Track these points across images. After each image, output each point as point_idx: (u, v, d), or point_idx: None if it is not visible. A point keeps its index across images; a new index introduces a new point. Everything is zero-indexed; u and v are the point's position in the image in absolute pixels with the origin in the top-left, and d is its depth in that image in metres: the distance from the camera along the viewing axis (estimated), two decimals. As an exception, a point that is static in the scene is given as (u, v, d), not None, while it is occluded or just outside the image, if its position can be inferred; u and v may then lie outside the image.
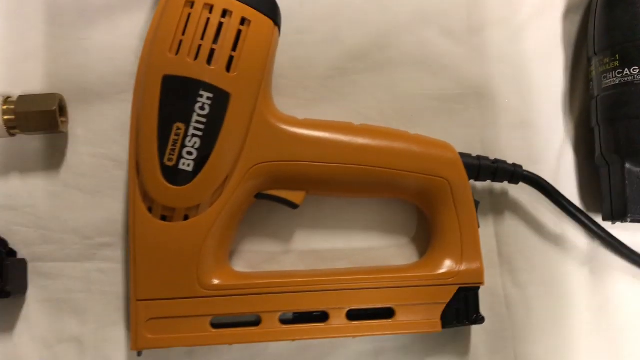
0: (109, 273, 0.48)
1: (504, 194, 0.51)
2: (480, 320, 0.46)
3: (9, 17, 0.49)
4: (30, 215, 0.48)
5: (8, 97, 0.46)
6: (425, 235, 0.50)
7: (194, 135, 0.43)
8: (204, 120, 0.43)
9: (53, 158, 0.48)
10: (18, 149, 0.48)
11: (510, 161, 0.49)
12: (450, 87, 0.51)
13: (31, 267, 0.48)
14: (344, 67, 0.51)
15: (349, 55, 0.51)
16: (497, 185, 0.50)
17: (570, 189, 0.51)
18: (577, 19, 0.53)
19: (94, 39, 0.49)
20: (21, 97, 0.46)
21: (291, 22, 0.47)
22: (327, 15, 0.51)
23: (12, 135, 0.46)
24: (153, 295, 0.44)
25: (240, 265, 0.49)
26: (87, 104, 0.49)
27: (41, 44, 0.49)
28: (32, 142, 0.48)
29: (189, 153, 0.43)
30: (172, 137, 0.43)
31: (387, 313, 0.46)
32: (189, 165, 0.43)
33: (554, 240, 0.51)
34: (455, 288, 0.46)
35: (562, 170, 0.52)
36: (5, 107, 0.45)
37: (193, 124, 0.43)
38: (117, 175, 0.48)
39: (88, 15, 0.49)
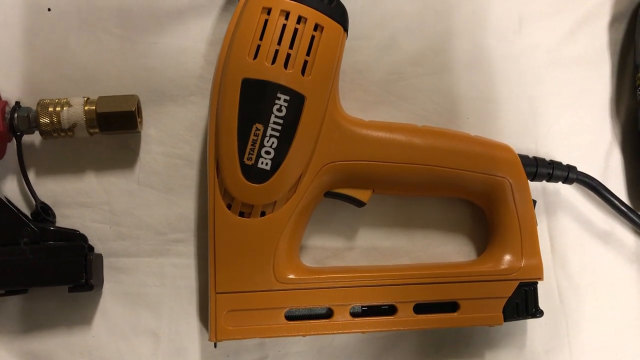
0: (182, 268, 0.50)
1: (557, 192, 0.53)
2: (539, 313, 0.48)
3: (85, 22, 0.50)
4: (106, 212, 0.50)
5: (88, 98, 0.48)
6: (481, 232, 0.52)
7: (271, 136, 0.45)
8: (280, 121, 0.45)
9: (127, 157, 0.50)
10: (93, 148, 0.50)
11: (560, 161, 0.51)
12: (503, 90, 0.53)
13: (106, 262, 0.50)
14: (403, 71, 0.53)
15: (407, 60, 0.53)
16: (550, 185, 0.52)
17: (617, 188, 0.53)
18: (622, 27, 0.55)
19: (165, 42, 0.51)
20: (101, 98, 0.48)
21: (352, 29, 0.49)
22: (386, 22, 0.53)
23: (91, 134, 0.48)
24: (232, 288, 0.46)
25: (307, 260, 0.51)
26: (159, 105, 0.51)
27: (115, 47, 0.50)
28: (106, 142, 0.50)
29: (267, 152, 0.45)
30: (252, 137, 0.45)
31: (451, 307, 0.48)
32: (266, 164, 0.45)
33: (604, 237, 0.53)
34: (516, 283, 0.48)
35: (610, 170, 0.54)
36: (86, 108, 0.47)
37: (271, 125, 0.45)
38: (188, 174, 0.50)
39: (159, 20, 0.51)
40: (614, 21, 0.55)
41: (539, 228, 0.49)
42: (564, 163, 0.51)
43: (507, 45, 0.53)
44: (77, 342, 0.49)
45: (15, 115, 0.47)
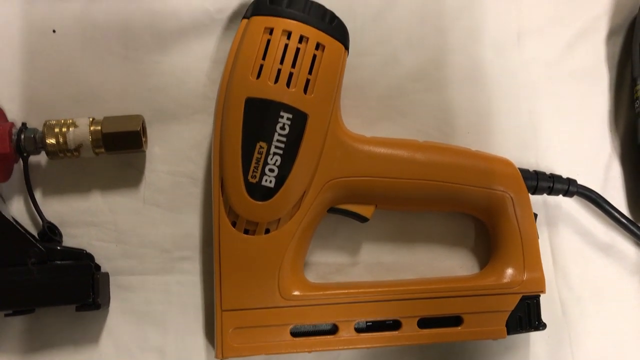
0: (187, 285, 0.50)
1: (558, 206, 0.53)
2: (542, 326, 0.49)
3: (89, 43, 0.51)
4: (112, 231, 0.50)
5: (93, 119, 0.48)
6: (484, 246, 0.52)
7: (275, 154, 0.45)
8: (284, 139, 0.45)
9: (132, 176, 0.51)
10: (99, 168, 0.51)
11: (560, 174, 0.52)
12: (503, 104, 0.54)
13: (113, 281, 0.50)
14: (403, 86, 0.53)
15: (408, 76, 0.53)
16: (551, 198, 0.53)
17: (617, 201, 0.54)
18: (619, 40, 0.56)
19: (168, 62, 0.52)
20: (106, 119, 0.48)
21: (354, 46, 0.50)
22: (386, 38, 0.53)
23: (97, 154, 0.48)
24: (238, 306, 0.46)
25: (311, 276, 0.51)
26: (163, 124, 0.51)
27: (119, 67, 0.51)
28: (111, 161, 0.51)
29: (271, 170, 0.45)
30: (255, 155, 0.45)
31: (455, 321, 0.48)
32: (270, 181, 0.46)
33: (605, 249, 0.54)
34: (519, 296, 0.48)
35: (610, 183, 0.54)
36: (92, 128, 0.47)
37: (274, 143, 0.45)
38: (193, 192, 0.51)
39: (162, 40, 0.52)
40: (611, 34, 0.56)
41: (540, 241, 0.50)
42: (564, 176, 0.51)
43: (506, 59, 0.54)
44: (85, 360, 0.50)
45: (22, 136, 0.47)
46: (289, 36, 0.45)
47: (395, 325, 0.48)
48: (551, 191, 0.51)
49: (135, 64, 0.51)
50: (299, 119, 0.45)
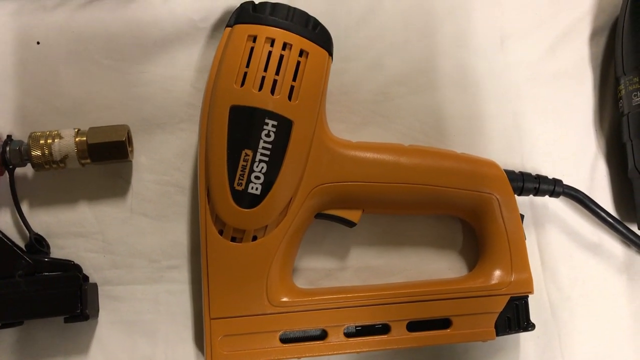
0: (176, 294, 0.50)
1: (544, 206, 0.53)
2: (531, 327, 0.49)
3: (73, 54, 0.51)
4: (99, 242, 0.50)
5: (79, 130, 0.48)
6: (472, 248, 0.53)
7: (260, 161, 0.45)
8: (269, 146, 0.45)
9: (119, 186, 0.51)
10: (85, 178, 0.51)
11: (546, 175, 0.52)
12: (488, 107, 0.54)
13: (101, 291, 0.50)
14: (389, 91, 0.53)
15: (393, 80, 0.54)
16: (537, 199, 0.53)
17: (604, 200, 0.54)
18: (602, 41, 0.56)
19: (153, 71, 0.52)
20: (92, 129, 0.48)
21: (338, 51, 0.50)
22: (370, 43, 0.54)
23: (83, 165, 0.48)
24: (226, 314, 0.46)
25: (300, 281, 0.51)
26: (149, 133, 0.51)
27: (104, 78, 0.51)
28: (98, 171, 0.51)
29: (257, 177, 0.46)
30: (241, 163, 0.45)
31: (444, 323, 0.48)
32: (257, 189, 0.46)
33: (592, 249, 0.54)
34: (507, 298, 0.48)
35: (596, 182, 0.55)
36: (77, 139, 0.48)
37: (260, 150, 0.45)
38: (180, 201, 0.51)
39: (146, 50, 0.52)
40: (594, 35, 0.56)
41: (528, 242, 0.50)
42: (550, 177, 0.51)
43: (490, 62, 0.54)
44: (74, 372, 0.49)
45: (7, 148, 0.47)
46: (272, 43, 0.46)
47: (384, 329, 0.48)
48: (537, 192, 0.51)
49: (120, 74, 0.51)
50: (284, 126, 0.45)
